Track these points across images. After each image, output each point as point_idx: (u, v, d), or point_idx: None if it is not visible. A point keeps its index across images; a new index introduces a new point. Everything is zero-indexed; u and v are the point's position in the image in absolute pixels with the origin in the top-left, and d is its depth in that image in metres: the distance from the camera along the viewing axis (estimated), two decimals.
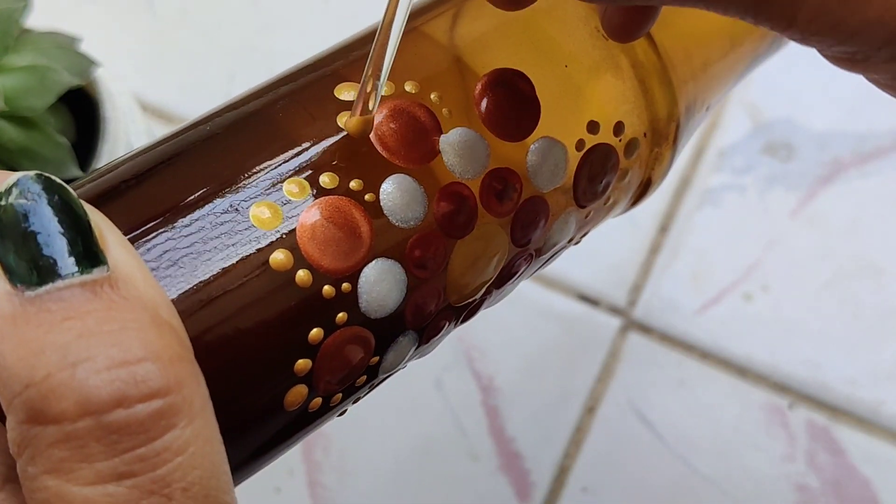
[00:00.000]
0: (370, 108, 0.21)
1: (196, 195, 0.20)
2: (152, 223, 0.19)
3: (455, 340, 0.42)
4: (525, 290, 0.42)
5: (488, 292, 0.24)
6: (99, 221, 0.16)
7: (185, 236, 0.19)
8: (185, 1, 0.48)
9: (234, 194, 0.20)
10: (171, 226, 0.19)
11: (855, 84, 0.47)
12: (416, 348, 0.23)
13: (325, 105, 0.22)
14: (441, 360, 0.42)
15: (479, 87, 0.23)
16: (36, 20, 0.32)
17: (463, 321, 0.24)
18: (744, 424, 0.41)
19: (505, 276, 0.24)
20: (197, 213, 0.19)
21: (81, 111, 0.33)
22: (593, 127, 0.24)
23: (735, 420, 0.41)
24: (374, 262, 0.21)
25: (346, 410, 0.23)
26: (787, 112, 0.45)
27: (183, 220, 0.19)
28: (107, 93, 0.33)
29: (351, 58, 0.23)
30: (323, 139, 0.21)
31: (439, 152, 0.22)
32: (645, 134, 0.25)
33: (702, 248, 0.44)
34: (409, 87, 0.22)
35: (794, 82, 0.45)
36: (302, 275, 0.20)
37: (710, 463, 0.41)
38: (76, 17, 0.48)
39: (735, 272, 0.43)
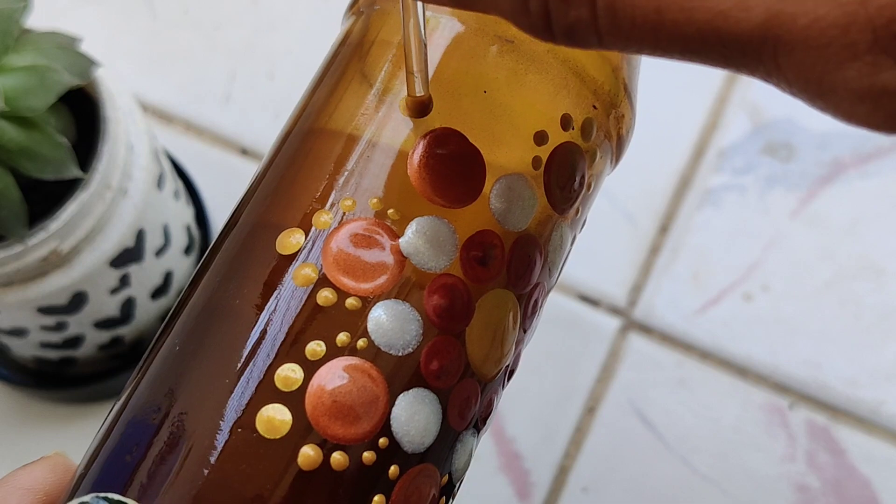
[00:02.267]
0: (417, 91, 0.20)
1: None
2: None
3: None
4: None
5: (520, 344, 0.23)
6: None
7: None
8: (185, 1, 0.48)
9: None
10: None
11: None
12: (477, 434, 0.22)
13: (274, 268, 0.20)
14: None
15: (414, 167, 0.21)
16: (36, 20, 0.32)
17: (510, 378, 0.23)
18: (744, 424, 0.41)
19: (528, 318, 0.23)
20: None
21: (81, 111, 0.33)
22: (541, 137, 0.22)
23: (735, 420, 0.41)
24: (397, 402, 0.20)
25: None
26: (787, 112, 0.45)
27: None
28: (107, 93, 0.33)
29: (278, 201, 0.21)
30: (284, 315, 0.20)
31: (405, 258, 0.20)
32: (594, 106, 0.23)
33: (702, 248, 0.44)
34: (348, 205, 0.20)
35: None
36: (337, 456, 0.19)
37: (710, 463, 0.41)
38: (76, 17, 0.48)
39: (735, 272, 0.43)
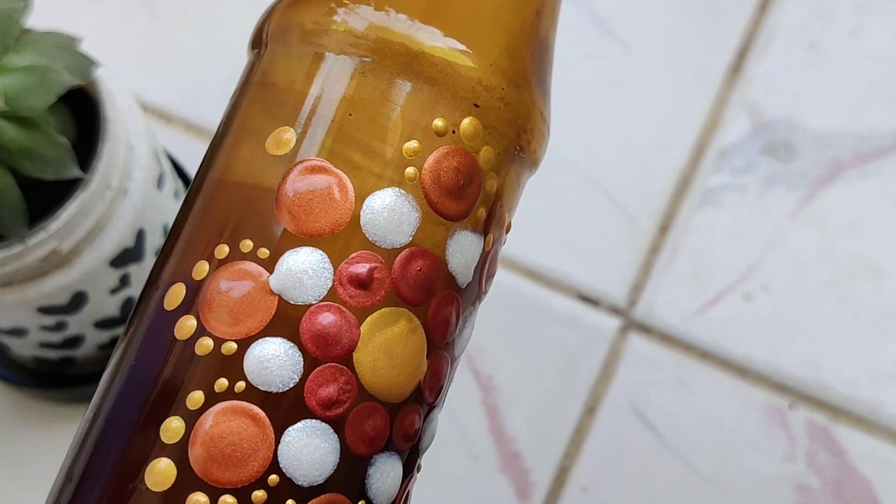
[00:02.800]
0: None
1: None
2: None
3: None
4: (525, 290, 0.42)
5: (440, 359, 0.22)
6: None
7: None
8: (185, 1, 0.48)
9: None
10: None
11: (855, 84, 0.47)
12: (403, 456, 0.22)
13: (161, 325, 0.21)
14: None
15: (279, 204, 0.21)
16: (36, 20, 0.32)
17: (437, 395, 0.23)
18: (744, 424, 0.41)
19: (439, 332, 0.22)
20: None
21: (81, 111, 0.33)
22: (413, 149, 0.21)
23: (735, 420, 0.41)
24: (283, 438, 0.20)
25: None
26: (787, 112, 0.45)
27: None
28: (107, 93, 0.33)
29: (169, 258, 0.22)
30: (177, 377, 0.20)
31: (276, 296, 0.20)
32: (476, 105, 0.22)
33: (702, 248, 0.44)
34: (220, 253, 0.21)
35: (794, 82, 0.45)
36: (227, 499, 0.19)
37: (710, 463, 0.41)
38: (76, 17, 0.48)
39: (735, 272, 0.43)
